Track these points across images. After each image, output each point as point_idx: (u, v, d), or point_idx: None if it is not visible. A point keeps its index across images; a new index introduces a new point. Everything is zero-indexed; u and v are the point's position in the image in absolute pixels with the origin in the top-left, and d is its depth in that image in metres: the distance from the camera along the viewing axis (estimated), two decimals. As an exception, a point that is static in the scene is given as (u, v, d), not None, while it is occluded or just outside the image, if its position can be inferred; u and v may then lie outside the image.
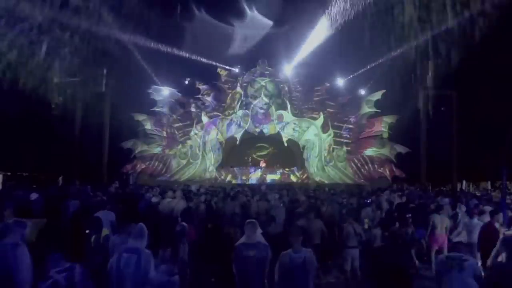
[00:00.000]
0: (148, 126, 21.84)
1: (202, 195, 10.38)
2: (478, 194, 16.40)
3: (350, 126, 21.38)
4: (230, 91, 22.38)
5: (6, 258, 3.84)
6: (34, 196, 9.27)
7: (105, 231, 5.39)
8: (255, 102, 21.64)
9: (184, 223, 5.51)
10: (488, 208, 6.84)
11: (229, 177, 21.30)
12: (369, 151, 20.72)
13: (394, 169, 19.84)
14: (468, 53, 16.02)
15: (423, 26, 16.33)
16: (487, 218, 6.35)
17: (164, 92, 21.61)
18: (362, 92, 21.37)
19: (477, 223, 6.37)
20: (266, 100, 21.55)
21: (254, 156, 22.89)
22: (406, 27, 16.85)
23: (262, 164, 22.30)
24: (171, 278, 3.78)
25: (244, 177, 21.26)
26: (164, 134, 22.10)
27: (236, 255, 4.38)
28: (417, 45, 17.55)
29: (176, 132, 22.00)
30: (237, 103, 21.86)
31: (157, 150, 21.96)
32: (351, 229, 6.20)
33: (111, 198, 9.43)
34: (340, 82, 21.79)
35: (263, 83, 21.91)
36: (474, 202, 9.17)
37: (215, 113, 22.08)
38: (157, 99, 21.76)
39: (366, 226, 7.34)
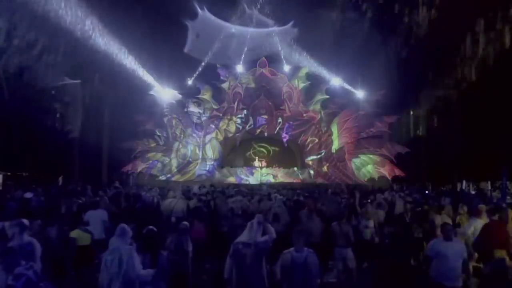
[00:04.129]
0: (148, 126, 21.84)
1: (203, 195, 10.37)
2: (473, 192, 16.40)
3: (351, 126, 21.34)
4: (230, 91, 22.37)
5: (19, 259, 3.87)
6: (28, 195, 9.30)
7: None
8: (255, 102, 21.65)
9: (186, 222, 5.52)
10: (483, 207, 6.81)
11: (229, 177, 21.29)
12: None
13: (394, 169, 19.84)
14: (469, 53, 16.07)
15: (424, 26, 16.36)
16: (484, 217, 6.36)
17: (165, 93, 21.57)
18: (363, 92, 21.32)
19: (478, 222, 6.35)
20: (265, 100, 21.55)
21: (254, 156, 22.90)
22: (407, 27, 16.90)
23: (263, 164, 22.33)
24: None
25: (244, 177, 21.26)
26: (164, 134, 22.09)
27: (233, 252, 4.41)
28: (418, 45, 17.57)
29: (176, 132, 22.00)
30: (237, 103, 21.86)
31: (157, 150, 21.95)
32: (338, 228, 6.19)
33: (109, 198, 9.42)
34: (341, 82, 21.71)
35: (263, 83, 21.91)
36: (476, 202, 9.13)
37: (215, 113, 22.07)
38: (158, 99, 21.72)
39: (368, 225, 7.36)
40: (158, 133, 22.07)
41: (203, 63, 20.70)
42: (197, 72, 21.20)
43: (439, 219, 7.16)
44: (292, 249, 4.20)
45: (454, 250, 4.69)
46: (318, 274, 4.22)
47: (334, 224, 6.24)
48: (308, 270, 4.09)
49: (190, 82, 21.91)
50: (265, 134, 22.12)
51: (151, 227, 4.73)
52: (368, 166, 20.66)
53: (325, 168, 21.14)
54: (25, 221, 4.36)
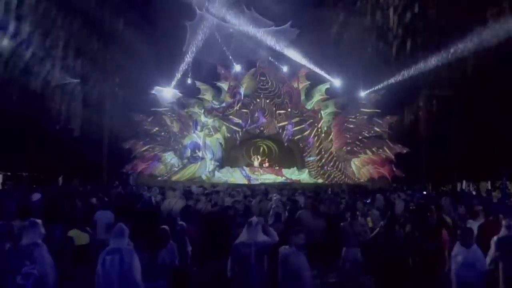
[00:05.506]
0: (149, 126, 21.82)
1: (203, 195, 10.36)
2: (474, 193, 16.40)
3: (351, 126, 21.32)
4: (230, 90, 22.35)
5: (25, 260, 3.74)
6: (36, 196, 9.23)
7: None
8: (255, 102, 21.64)
9: (182, 222, 5.53)
10: (479, 208, 6.81)
11: (229, 177, 21.27)
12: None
13: (394, 169, 19.82)
14: (469, 53, 16.07)
15: (424, 27, 16.37)
16: (479, 218, 6.37)
17: (166, 92, 21.55)
18: (363, 92, 21.29)
19: (473, 223, 6.34)
20: (266, 100, 21.54)
21: (254, 156, 22.88)
22: (406, 28, 16.91)
23: (263, 164, 22.33)
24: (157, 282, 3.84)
25: (244, 177, 21.24)
26: (164, 134, 22.08)
27: (234, 253, 4.44)
28: (418, 45, 17.58)
29: (176, 132, 21.98)
30: (237, 103, 21.84)
31: (157, 150, 21.93)
32: (350, 228, 6.18)
33: (111, 199, 9.44)
34: (340, 82, 21.67)
35: (263, 83, 21.91)
36: (476, 203, 9.11)
37: (215, 113, 22.05)
38: (159, 99, 21.72)
39: (369, 224, 7.37)
40: (158, 133, 22.05)
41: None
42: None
43: (435, 220, 7.11)
44: (283, 247, 4.32)
45: (467, 258, 4.31)
46: (306, 269, 4.26)
47: (345, 224, 6.16)
48: (293, 267, 4.18)
49: (189, 81, 21.90)
50: (265, 134, 22.10)
51: (163, 226, 4.76)
52: (368, 166, 20.65)
53: (325, 168, 21.11)
54: (38, 221, 4.15)
